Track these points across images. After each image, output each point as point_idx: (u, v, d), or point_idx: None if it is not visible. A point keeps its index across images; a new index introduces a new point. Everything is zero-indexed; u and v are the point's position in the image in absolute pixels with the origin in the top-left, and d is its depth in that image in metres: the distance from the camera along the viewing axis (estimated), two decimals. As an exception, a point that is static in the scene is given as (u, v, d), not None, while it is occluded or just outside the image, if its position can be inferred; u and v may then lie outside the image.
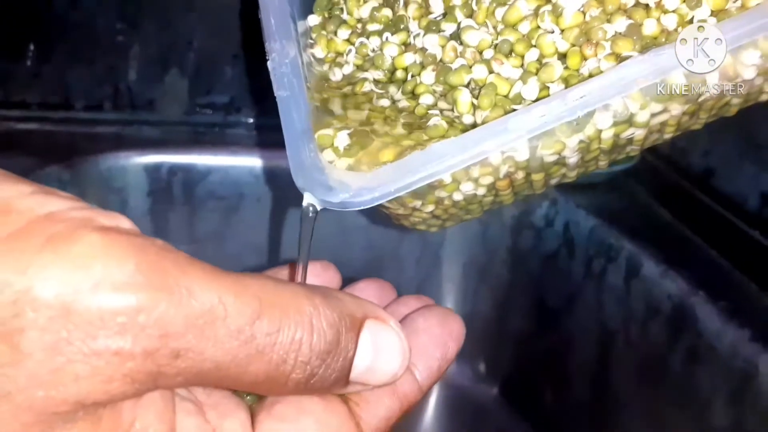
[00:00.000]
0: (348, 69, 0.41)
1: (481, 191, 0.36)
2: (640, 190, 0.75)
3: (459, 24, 0.39)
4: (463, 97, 0.36)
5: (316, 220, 0.34)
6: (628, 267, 0.67)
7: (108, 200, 0.73)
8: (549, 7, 0.36)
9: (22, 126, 0.77)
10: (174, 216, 0.77)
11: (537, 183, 0.38)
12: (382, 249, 0.79)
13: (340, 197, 0.33)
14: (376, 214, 0.74)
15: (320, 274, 0.38)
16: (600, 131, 0.34)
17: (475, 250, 0.80)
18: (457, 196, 0.37)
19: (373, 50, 0.41)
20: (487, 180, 0.35)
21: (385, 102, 0.39)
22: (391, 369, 0.29)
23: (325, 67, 0.42)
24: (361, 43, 0.42)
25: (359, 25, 0.43)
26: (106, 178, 0.74)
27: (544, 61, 0.36)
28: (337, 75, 0.41)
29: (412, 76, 0.39)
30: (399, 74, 0.40)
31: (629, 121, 0.34)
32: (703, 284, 0.62)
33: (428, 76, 0.38)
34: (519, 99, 0.35)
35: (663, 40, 0.34)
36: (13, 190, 0.24)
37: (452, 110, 0.37)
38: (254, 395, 0.30)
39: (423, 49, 0.39)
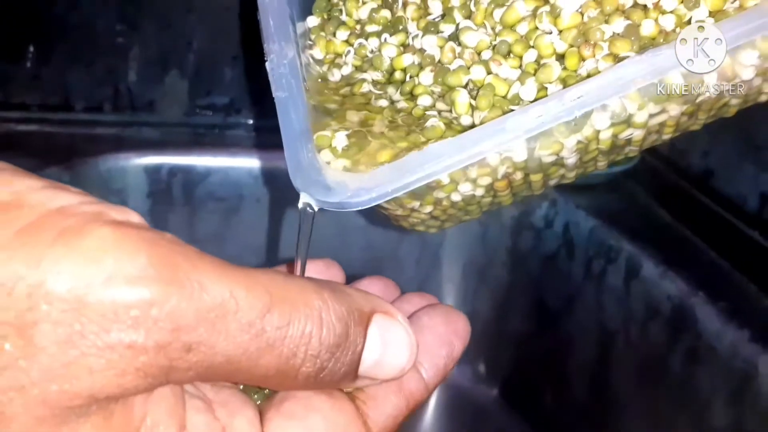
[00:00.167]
0: (347, 70, 0.41)
1: (480, 192, 0.36)
2: (640, 191, 0.75)
3: (457, 25, 0.39)
4: (461, 98, 0.36)
5: (314, 220, 0.34)
6: (627, 268, 0.67)
7: (108, 201, 0.73)
8: (547, 8, 0.36)
9: (22, 127, 0.77)
10: (174, 217, 0.77)
11: (535, 184, 0.38)
12: (382, 250, 0.79)
13: (338, 198, 0.33)
14: (375, 215, 0.74)
15: (323, 271, 0.39)
16: (598, 132, 0.33)
17: (475, 250, 0.80)
18: (456, 197, 0.37)
19: (372, 51, 0.41)
20: (486, 181, 0.35)
21: (383, 103, 0.39)
22: (400, 363, 0.29)
23: (324, 68, 0.42)
24: (360, 44, 0.42)
25: (358, 27, 0.43)
26: (105, 179, 0.74)
27: (542, 61, 0.36)
28: (335, 76, 0.41)
29: (411, 77, 0.39)
30: (397, 75, 0.40)
31: (627, 122, 0.34)
32: (703, 285, 0.62)
33: (426, 77, 0.38)
34: (517, 100, 0.35)
35: (661, 40, 0.34)
36: (24, 184, 0.24)
37: (450, 111, 0.37)
38: (262, 393, 0.30)
39: (421, 50, 0.39)
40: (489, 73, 0.37)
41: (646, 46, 0.34)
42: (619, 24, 0.35)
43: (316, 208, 0.33)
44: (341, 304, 0.27)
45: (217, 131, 0.81)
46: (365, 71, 0.41)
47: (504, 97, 0.36)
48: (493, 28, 0.38)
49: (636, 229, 0.70)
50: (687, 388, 0.61)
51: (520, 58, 0.36)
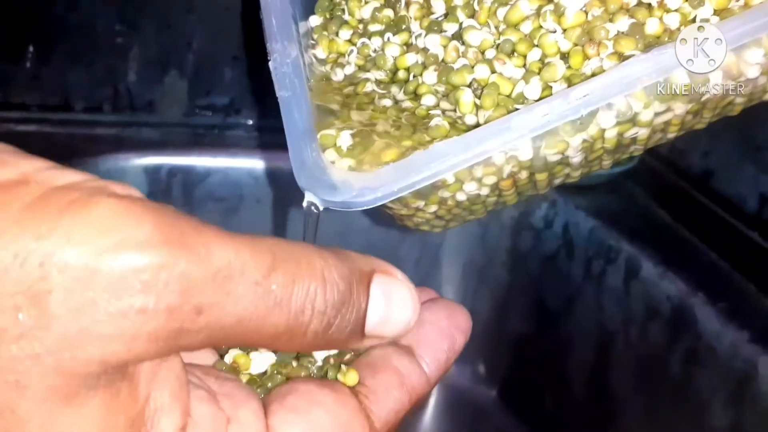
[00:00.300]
0: (350, 69, 0.41)
1: (485, 191, 0.36)
2: (640, 192, 0.76)
3: (461, 24, 0.39)
4: (466, 97, 0.36)
5: (318, 219, 0.34)
6: (627, 268, 0.68)
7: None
8: (551, 6, 0.36)
9: (22, 127, 0.78)
10: (173, 217, 0.77)
11: (541, 183, 0.38)
12: (382, 250, 0.79)
13: (343, 197, 0.33)
14: (379, 215, 0.74)
15: None
16: (603, 130, 0.34)
17: (475, 251, 0.80)
18: (461, 197, 0.37)
19: (375, 51, 0.41)
20: (491, 180, 0.35)
21: (387, 102, 0.38)
22: (404, 318, 0.30)
23: (327, 67, 0.42)
24: (363, 43, 0.41)
25: (361, 26, 0.43)
26: (105, 179, 0.74)
27: (546, 60, 0.36)
28: (338, 75, 0.41)
29: (414, 76, 0.39)
30: (401, 74, 0.40)
31: (632, 121, 0.34)
32: (703, 285, 0.62)
33: (430, 76, 0.38)
34: (521, 99, 0.35)
35: (666, 39, 0.34)
36: (30, 165, 0.24)
37: (454, 111, 0.37)
38: (264, 387, 0.30)
39: (425, 50, 0.39)
40: (493, 72, 0.37)
41: (650, 44, 0.34)
42: (623, 22, 0.35)
43: (321, 208, 0.33)
44: (343, 264, 0.27)
45: (217, 131, 0.82)
46: (368, 71, 0.41)
47: (508, 96, 0.36)
48: (496, 27, 0.38)
49: (636, 229, 0.70)
50: (686, 389, 0.61)
51: (524, 57, 0.36)
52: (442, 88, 0.38)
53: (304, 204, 0.33)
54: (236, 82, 0.81)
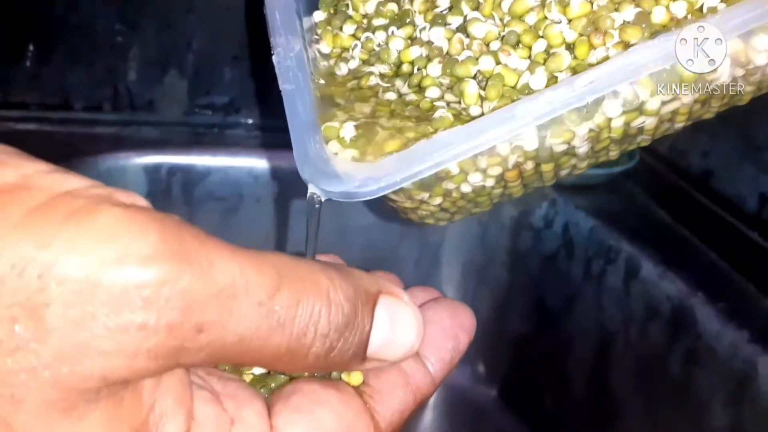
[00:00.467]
0: (354, 64, 0.41)
1: (490, 182, 0.36)
2: (639, 192, 0.76)
3: (465, 17, 0.39)
4: (470, 89, 0.36)
5: (321, 211, 0.34)
6: (627, 268, 0.68)
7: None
8: (556, -3, 0.36)
9: (22, 126, 0.77)
10: (173, 217, 0.77)
11: (546, 174, 0.38)
12: (382, 250, 0.79)
13: (345, 187, 0.32)
14: (383, 209, 0.74)
15: None
16: (610, 119, 0.33)
17: (475, 251, 0.80)
18: (466, 188, 0.36)
19: (379, 45, 0.41)
20: (496, 171, 0.35)
21: (391, 95, 0.38)
22: (408, 342, 0.29)
23: (331, 62, 0.42)
24: (367, 37, 0.41)
25: (365, 21, 0.43)
26: (105, 178, 0.74)
27: (551, 51, 0.36)
28: (342, 70, 0.41)
29: (419, 69, 0.39)
30: (405, 68, 0.39)
31: (639, 109, 0.33)
32: (702, 285, 0.62)
33: (434, 69, 0.38)
34: (527, 89, 0.35)
35: (672, 28, 0.34)
36: (32, 168, 0.23)
37: (459, 102, 0.37)
38: (268, 387, 0.30)
39: (429, 43, 0.39)
40: (498, 63, 0.36)
41: (657, 33, 0.33)
42: (629, 12, 0.34)
43: (323, 199, 0.33)
44: (349, 284, 0.27)
45: (217, 131, 0.82)
46: (372, 65, 0.40)
47: (513, 87, 0.35)
48: (501, 19, 0.38)
49: (635, 229, 0.70)
50: (686, 389, 0.61)
51: (530, 48, 0.36)
52: (446, 81, 0.38)
53: (308, 194, 0.33)
54: (236, 82, 0.81)
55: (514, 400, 0.79)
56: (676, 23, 0.34)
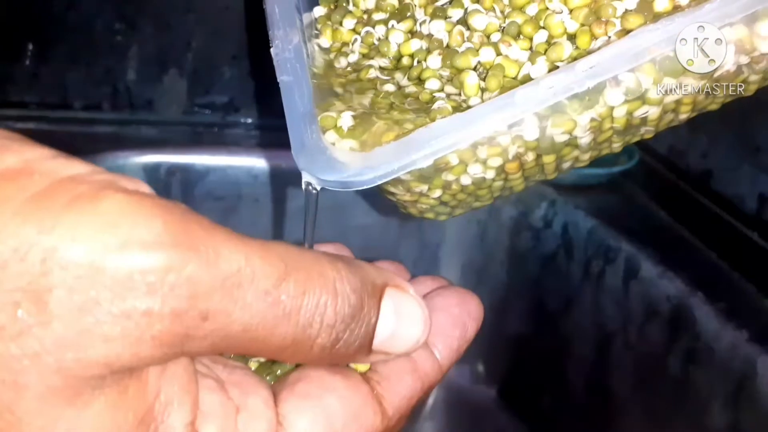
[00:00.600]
0: (353, 58, 0.41)
1: (490, 174, 0.36)
2: (639, 192, 0.76)
3: (466, 9, 0.38)
4: (470, 80, 0.36)
5: (317, 200, 0.33)
6: (626, 268, 0.67)
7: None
8: (557, -13, 0.36)
9: (21, 125, 0.77)
10: (172, 216, 0.77)
11: (548, 166, 0.37)
12: (380, 249, 0.79)
13: (341, 176, 0.32)
14: (382, 205, 0.74)
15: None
16: (612, 109, 0.33)
17: (474, 251, 0.80)
18: (465, 180, 0.36)
19: (379, 39, 0.41)
20: (496, 162, 0.35)
21: (390, 88, 0.38)
22: (414, 336, 0.29)
23: (331, 56, 0.42)
24: (367, 32, 0.41)
25: (365, 16, 0.43)
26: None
27: (552, 41, 0.35)
28: (342, 63, 0.41)
29: (418, 61, 0.39)
30: (405, 61, 0.39)
31: (642, 98, 0.33)
32: (702, 285, 0.62)
33: (434, 61, 0.38)
34: (528, 80, 0.34)
35: None
36: (34, 153, 0.23)
37: (459, 94, 0.36)
38: (274, 374, 0.30)
39: (429, 36, 0.39)
40: (499, 54, 0.36)
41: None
42: (631, 0, 0.34)
43: (318, 188, 0.33)
44: (355, 276, 0.27)
45: (216, 130, 0.82)
46: (372, 58, 0.40)
47: (514, 78, 0.35)
48: (502, 11, 0.37)
49: (635, 229, 0.70)
50: (685, 389, 0.61)
51: (530, 39, 0.36)
52: (446, 73, 0.37)
53: (303, 184, 0.33)
54: (235, 81, 0.81)
55: (514, 400, 0.79)
56: (679, 11, 0.33)
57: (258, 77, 0.80)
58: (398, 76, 0.39)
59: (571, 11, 0.36)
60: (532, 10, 0.36)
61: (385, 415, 0.29)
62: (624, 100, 0.33)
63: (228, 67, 0.80)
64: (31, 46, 0.77)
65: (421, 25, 0.40)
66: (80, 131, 0.78)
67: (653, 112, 0.34)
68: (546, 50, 0.35)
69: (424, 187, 0.37)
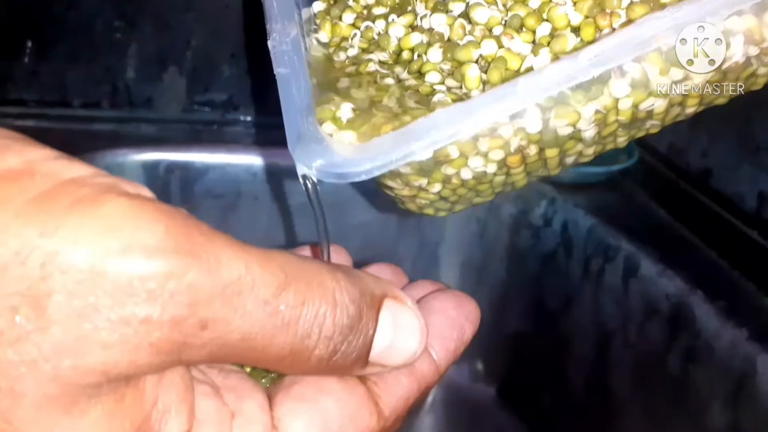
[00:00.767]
0: (353, 52, 0.41)
1: (492, 168, 0.35)
2: (639, 190, 0.75)
3: (467, 2, 0.38)
4: (472, 72, 0.35)
5: (318, 191, 0.33)
6: (626, 267, 0.67)
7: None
8: (561, -22, 0.35)
9: (20, 123, 0.77)
10: (172, 214, 0.77)
11: (551, 160, 0.37)
12: (379, 247, 0.79)
13: (338, 168, 0.32)
14: (380, 201, 0.74)
15: (332, 257, 0.38)
16: (617, 100, 0.33)
17: (473, 249, 0.80)
18: (466, 174, 0.36)
19: (379, 34, 0.41)
20: (498, 155, 0.34)
21: (390, 81, 0.38)
22: (410, 348, 0.29)
23: (330, 50, 0.41)
24: (367, 26, 0.41)
25: (365, 11, 0.42)
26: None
27: (556, 33, 0.35)
28: (341, 58, 0.41)
29: (419, 55, 0.38)
30: (405, 55, 0.39)
31: (648, 90, 0.33)
32: (701, 284, 0.62)
33: (435, 54, 0.37)
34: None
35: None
36: (37, 154, 0.23)
37: (460, 88, 0.36)
38: (270, 377, 0.30)
39: (430, 30, 0.39)
40: (501, 47, 0.36)
41: (665, 11, 0.33)
42: None
43: (315, 180, 0.32)
44: (354, 287, 0.27)
45: (216, 128, 0.81)
46: (372, 53, 0.40)
47: (517, 71, 0.35)
48: (504, 5, 0.37)
49: (634, 227, 0.70)
50: (685, 387, 0.61)
51: (533, 32, 0.35)
52: (447, 66, 0.37)
53: (300, 177, 0.32)
54: (235, 79, 0.81)
55: (513, 399, 0.79)
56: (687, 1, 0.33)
57: (257, 75, 0.80)
58: (398, 70, 0.38)
59: (575, 3, 0.35)
60: (534, 2, 0.36)
61: (382, 416, 0.29)
62: (630, 92, 0.32)
63: (227, 65, 0.80)
64: (30, 44, 0.77)
65: (421, 19, 0.39)
66: (79, 129, 0.78)
67: (659, 104, 0.34)
68: (549, 42, 0.35)
69: (423, 181, 0.36)
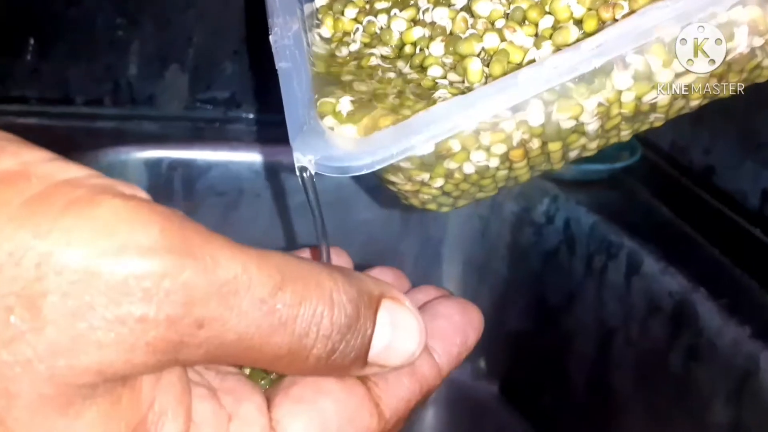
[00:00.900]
0: (355, 47, 0.41)
1: (494, 162, 0.35)
2: (641, 188, 0.75)
3: None
4: (474, 66, 0.35)
5: (314, 184, 0.33)
6: (628, 264, 0.67)
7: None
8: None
9: (22, 120, 0.77)
10: (173, 211, 0.77)
11: (554, 154, 0.36)
12: (382, 245, 0.79)
13: (339, 161, 0.32)
14: (383, 198, 0.74)
15: (332, 259, 0.38)
16: (620, 93, 0.32)
17: (475, 246, 0.80)
18: (468, 169, 0.35)
19: (381, 28, 0.41)
20: (500, 149, 0.34)
21: (391, 75, 0.38)
22: (409, 348, 0.29)
23: (332, 45, 0.41)
24: (369, 21, 0.41)
25: (367, 6, 0.42)
26: (105, 173, 0.72)
27: (558, 26, 0.35)
28: (343, 53, 0.41)
29: (421, 49, 0.38)
30: (407, 50, 0.39)
31: (651, 82, 0.33)
32: (704, 281, 0.62)
33: (437, 48, 0.37)
34: None
35: None
36: (32, 156, 0.23)
37: (463, 82, 0.36)
38: (269, 378, 0.29)
39: (432, 23, 0.39)
40: (503, 40, 0.36)
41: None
42: None
43: (313, 172, 0.32)
44: (352, 286, 0.27)
45: (218, 125, 0.82)
46: (374, 47, 0.40)
47: (519, 64, 0.35)
48: (507, -1, 0.37)
49: (637, 225, 0.70)
50: (688, 385, 0.61)
51: (536, 24, 0.35)
52: (449, 60, 0.37)
53: (297, 170, 0.32)
54: (237, 77, 0.81)
55: (515, 396, 0.79)
56: None
57: (259, 72, 0.80)
58: (400, 64, 0.38)
59: None
60: None
61: (382, 417, 0.29)
62: (632, 84, 0.32)
63: (229, 62, 0.80)
64: (32, 41, 0.77)
65: (423, 13, 0.39)
66: (82, 126, 0.78)
67: (663, 98, 0.34)
68: (551, 35, 0.35)
69: (426, 176, 0.36)
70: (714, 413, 0.59)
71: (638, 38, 0.31)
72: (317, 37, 0.42)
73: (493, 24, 0.37)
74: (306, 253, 0.40)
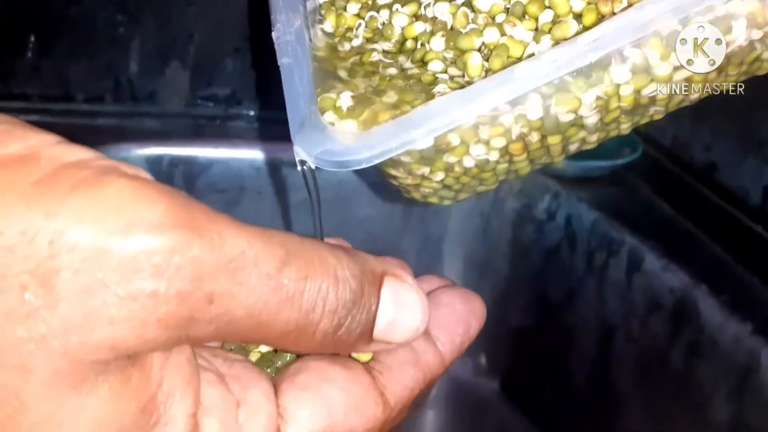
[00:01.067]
0: (357, 42, 0.41)
1: (494, 156, 0.35)
2: (642, 184, 0.75)
3: None
4: (474, 60, 0.35)
5: (315, 178, 0.33)
6: (629, 261, 0.67)
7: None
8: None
9: (23, 118, 0.76)
10: (175, 209, 0.77)
11: (554, 148, 0.37)
12: (383, 242, 0.79)
13: (339, 156, 0.32)
14: (385, 192, 0.74)
15: None
16: (618, 86, 0.33)
17: (476, 243, 0.80)
18: (468, 162, 0.36)
19: (383, 23, 0.41)
20: (500, 142, 0.35)
21: (392, 71, 0.38)
22: (413, 324, 0.29)
23: (334, 41, 0.42)
24: (371, 16, 0.41)
25: (369, 1, 0.42)
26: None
27: (558, 20, 0.35)
28: (345, 48, 0.41)
29: (422, 44, 0.39)
30: (408, 44, 0.39)
31: (649, 75, 0.33)
32: (705, 278, 0.62)
33: (438, 42, 0.37)
34: None
35: None
36: (39, 139, 0.24)
37: (463, 76, 0.36)
38: (274, 367, 0.30)
39: (433, 19, 0.39)
40: (503, 35, 0.36)
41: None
42: None
43: (313, 166, 0.32)
44: (355, 263, 0.27)
45: (219, 122, 0.82)
46: (376, 42, 0.40)
47: (519, 58, 0.35)
48: (507, -7, 0.37)
49: (638, 222, 0.70)
50: (689, 382, 0.61)
51: (536, 19, 0.36)
52: (450, 55, 0.37)
53: (297, 163, 0.33)
54: (238, 74, 0.81)
55: (516, 393, 0.79)
56: None
57: (261, 69, 0.80)
58: (401, 59, 0.39)
59: None
60: None
61: (387, 405, 0.29)
62: (631, 78, 0.32)
63: (230, 59, 0.80)
64: (33, 39, 0.77)
65: (425, 8, 0.40)
66: (83, 123, 0.78)
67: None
68: (551, 29, 0.35)
69: (426, 170, 0.37)
70: (715, 410, 0.59)
71: (635, 32, 0.31)
72: (320, 33, 0.42)
73: (493, 19, 0.37)
74: None
